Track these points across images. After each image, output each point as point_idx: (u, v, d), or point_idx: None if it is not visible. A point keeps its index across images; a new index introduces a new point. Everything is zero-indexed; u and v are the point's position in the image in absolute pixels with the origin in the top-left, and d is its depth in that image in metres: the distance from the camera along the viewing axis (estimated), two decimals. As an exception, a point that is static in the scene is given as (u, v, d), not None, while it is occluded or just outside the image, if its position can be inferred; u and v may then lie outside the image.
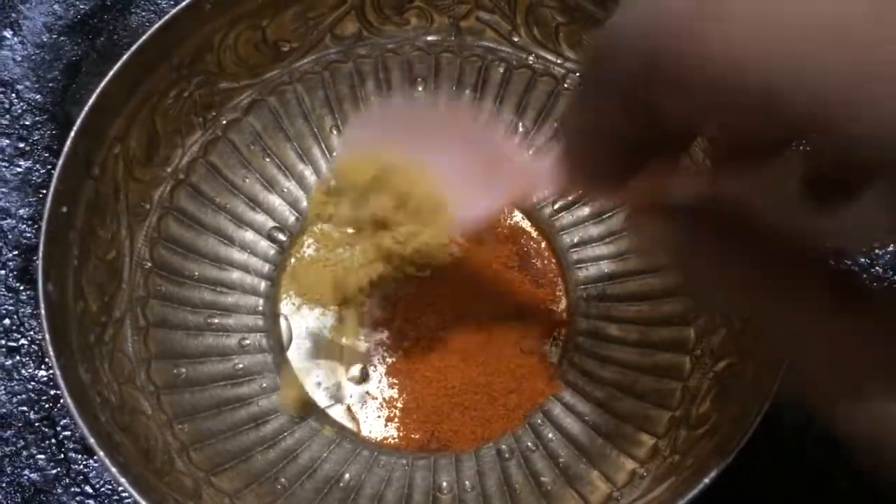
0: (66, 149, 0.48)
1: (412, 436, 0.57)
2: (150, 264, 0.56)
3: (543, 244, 0.63)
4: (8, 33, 0.65)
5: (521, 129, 0.64)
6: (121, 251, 0.54)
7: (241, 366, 0.57)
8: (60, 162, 0.48)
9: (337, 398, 0.58)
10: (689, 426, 0.52)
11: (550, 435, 0.56)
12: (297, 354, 0.59)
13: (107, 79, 0.50)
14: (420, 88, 0.64)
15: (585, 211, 0.62)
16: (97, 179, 0.52)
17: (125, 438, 0.48)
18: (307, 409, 0.56)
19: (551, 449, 0.56)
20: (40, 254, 0.46)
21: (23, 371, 0.56)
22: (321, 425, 0.56)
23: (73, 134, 0.49)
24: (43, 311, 0.46)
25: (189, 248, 0.58)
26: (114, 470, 0.43)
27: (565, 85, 0.62)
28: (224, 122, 0.60)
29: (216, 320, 0.58)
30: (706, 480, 0.44)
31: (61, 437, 0.48)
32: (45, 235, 0.47)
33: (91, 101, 0.50)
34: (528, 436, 0.57)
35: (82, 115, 0.49)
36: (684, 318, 0.56)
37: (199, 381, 0.55)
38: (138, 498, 0.43)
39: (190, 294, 0.57)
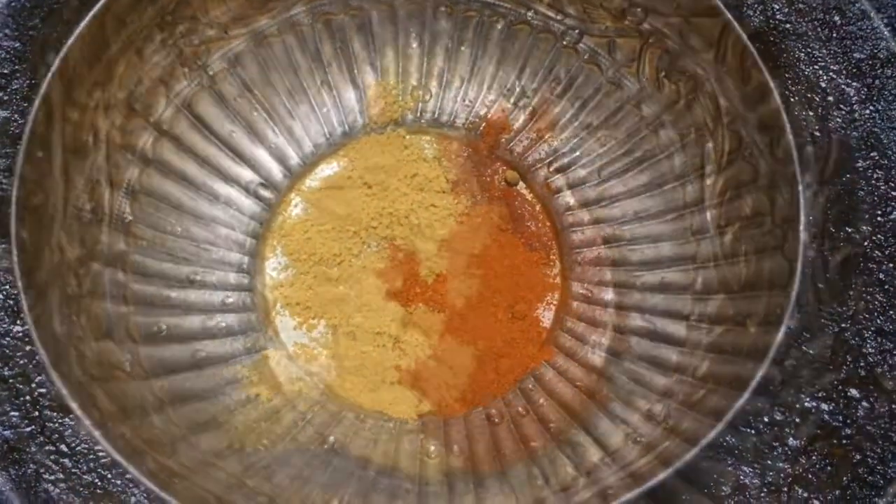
0: (41, 90, 0.46)
1: (400, 399, 0.55)
2: (130, 217, 0.54)
3: (538, 207, 0.61)
4: (-12, -21, 0.63)
5: (516, 90, 0.62)
6: (100, 202, 0.52)
7: (223, 324, 0.55)
8: (36, 103, 0.46)
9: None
10: (685, 392, 0.50)
11: (542, 400, 0.55)
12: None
13: (86, 20, 0.48)
14: (414, 45, 0.62)
15: (582, 173, 0.61)
16: (76, 126, 0.49)
17: (101, 392, 0.46)
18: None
19: (542, 413, 0.54)
20: (13, 197, 0.44)
21: (-2, 326, 0.54)
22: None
23: (49, 75, 0.47)
24: (15, 259, 0.44)
25: (172, 201, 0.56)
26: (88, 423, 0.41)
27: (564, 42, 0.60)
28: (211, 72, 0.58)
29: (199, 277, 0.56)
30: (702, 443, 0.42)
31: (36, 394, 0.46)
32: (19, 179, 0.45)
33: (69, 42, 0.47)
34: (519, 400, 0.55)
35: (60, 54, 0.47)
36: (682, 286, 0.55)
37: (180, 338, 0.53)
38: (113, 453, 0.42)
39: (173, 249, 0.56)
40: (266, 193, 0.59)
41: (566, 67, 0.61)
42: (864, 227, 0.45)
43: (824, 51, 0.48)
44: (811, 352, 0.43)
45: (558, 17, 0.60)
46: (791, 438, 0.42)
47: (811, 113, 0.47)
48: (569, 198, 0.60)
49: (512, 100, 0.62)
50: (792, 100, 0.47)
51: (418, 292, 0.58)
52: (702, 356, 0.51)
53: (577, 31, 0.59)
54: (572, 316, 0.57)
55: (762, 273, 0.49)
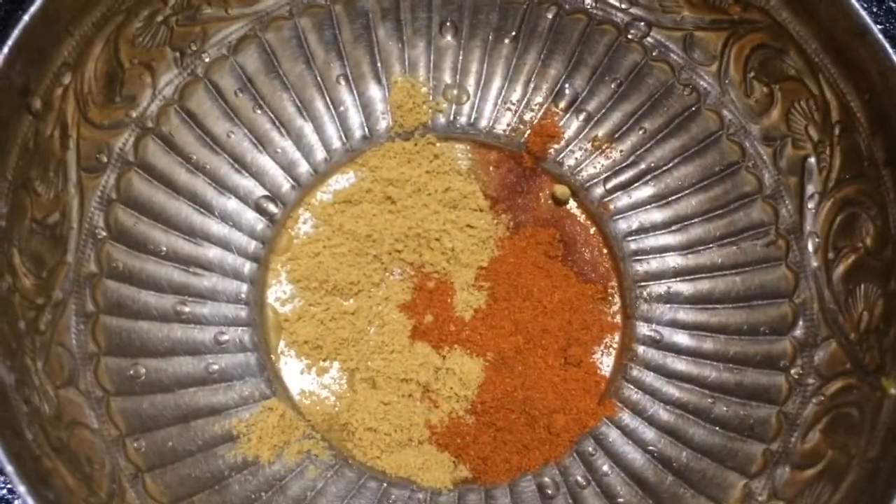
0: (-7, 69, 0.36)
1: (431, 463, 0.45)
2: (105, 233, 0.44)
3: (593, 230, 0.52)
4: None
5: (567, 91, 0.52)
6: (67, 214, 0.42)
7: (216, 367, 0.45)
8: (-15, 86, 0.36)
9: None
10: (793, 464, 0.40)
11: (605, 468, 0.45)
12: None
13: (55, -17, 0.38)
14: (449, 37, 0.53)
15: (647, 191, 0.51)
16: (38, 116, 0.39)
17: (59, 463, 0.36)
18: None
19: (606, 485, 0.45)
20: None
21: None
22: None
23: (5, 51, 0.37)
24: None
25: (157, 215, 0.46)
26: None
27: (629, 36, 0.50)
28: (207, 59, 0.48)
29: (187, 308, 0.46)
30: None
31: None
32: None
33: (31, 11, 0.37)
34: (577, 467, 0.45)
35: (18, 26, 0.37)
36: (776, 327, 0.45)
37: (162, 386, 0.43)
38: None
39: (156, 273, 0.46)
40: (270, 207, 0.49)
41: (630, 66, 0.51)
42: None
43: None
44: None
45: (623, 6, 0.50)
46: None
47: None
48: (631, 220, 0.51)
49: (563, 103, 0.53)
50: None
51: (452, 331, 0.48)
52: (811, 419, 0.41)
53: (644, 22, 0.50)
54: (638, 363, 0.48)
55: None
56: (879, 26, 0.45)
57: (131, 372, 0.43)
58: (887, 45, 0.40)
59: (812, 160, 0.45)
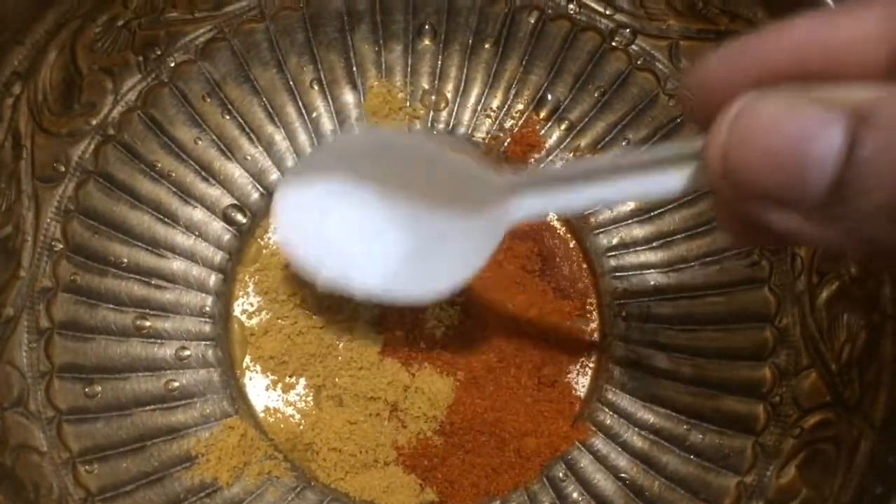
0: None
1: (397, 486, 0.44)
2: (61, 246, 0.42)
3: (573, 244, 0.50)
4: None
5: (549, 99, 0.50)
6: (20, 226, 0.41)
7: (176, 384, 0.44)
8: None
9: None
10: (767, 500, 0.39)
11: (575, 495, 0.44)
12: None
13: (1, -11, 0.36)
14: (427, 41, 0.51)
15: (629, 205, 0.49)
16: (-14, 128, 0.38)
17: (2, 488, 0.34)
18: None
19: (576, 513, 0.43)
20: None
21: None
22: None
23: (-53, 61, 0.35)
24: None
25: (118, 225, 0.45)
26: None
27: (613, 43, 0.48)
28: (172, 64, 0.46)
29: (148, 323, 0.44)
30: None
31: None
32: None
33: (-24, 19, 0.36)
34: (546, 494, 0.44)
35: (-38, 36, 0.35)
36: (757, 352, 0.43)
37: (119, 405, 0.42)
38: None
39: (115, 287, 0.44)
40: (238, 217, 0.48)
41: (614, 74, 0.49)
42: None
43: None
44: None
45: (607, 12, 0.48)
46: None
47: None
48: (612, 235, 0.49)
49: (544, 111, 0.51)
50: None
51: (423, 349, 0.46)
52: (788, 453, 0.39)
53: (629, 29, 0.48)
54: (614, 385, 0.46)
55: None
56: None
57: (86, 391, 0.41)
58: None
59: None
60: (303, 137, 0.50)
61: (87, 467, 0.39)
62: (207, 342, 0.45)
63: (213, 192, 0.48)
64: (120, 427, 0.41)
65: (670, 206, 0.48)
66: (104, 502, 0.39)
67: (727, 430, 0.43)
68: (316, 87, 0.50)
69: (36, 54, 0.39)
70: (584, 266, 0.50)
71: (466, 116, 0.51)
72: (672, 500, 0.42)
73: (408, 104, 0.51)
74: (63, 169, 0.43)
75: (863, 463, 0.36)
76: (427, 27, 0.50)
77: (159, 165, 0.46)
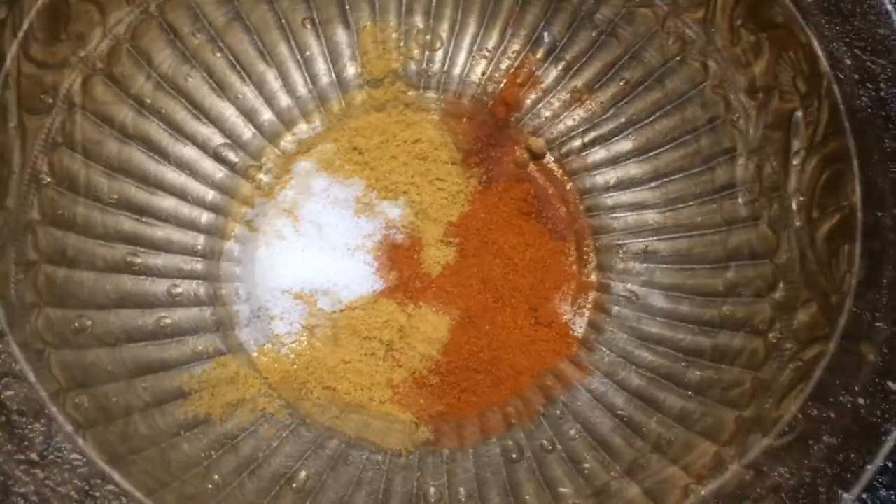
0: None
1: (392, 424, 0.43)
2: (49, 178, 0.41)
3: (569, 185, 0.49)
4: None
5: (546, 39, 0.50)
6: (7, 157, 0.39)
7: (168, 321, 0.43)
8: None
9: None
10: (766, 432, 0.38)
11: (573, 432, 0.43)
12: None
13: None
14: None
15: (626, 145, 0.49)
16: (-30, 52, 0.37)
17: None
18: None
19: (573, 450, 0.43)
20: None
21: None
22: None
23: (-71, -22, 0.34)
24: None
25: (106, 160, 0.44)
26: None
27: (611, -20, 0.48)
28: (161, -3, 0.45)
29: (139, 259, 0.44)
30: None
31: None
32: None
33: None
34: (544, 431, 0.43)
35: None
36: (757, 289, 0.43)
37: (110, 339, 0.41)
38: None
39: (104, 222, 0.43)
40: (230, 156, 0.47)
41: (612, 11, 0.48)
42: None
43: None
44: None
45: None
46: None
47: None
48: (608, 175, 0.49)
49: (541, 51, 0.50)
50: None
51: (419, 288, 0.46)
52: (786, 386, 0.39)
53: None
54: (612, 325, 0.46)
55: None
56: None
57: (76, 324, 0.40)
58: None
59: (799, 114, 0.43)
60: (295, 76, 0.49)
61: (76, 399, 0.38)
62: (199, 280, 0.45)
63: (205, 131, 0.47)
64: (110, 361, 0.40)
65: (668, 146, 0.47)
66: (94, 434, 0.38)
67: (726, 365, 0.42)
68: (308, 26, 0.49)
69: (23, -22, 0.38)
70: (581, 207, 0.49)
71: (462, 57, 0.51)
72: (670, 437, 0.41)
73: (402, 44, 0.50)
74: (50, 101, 0.41)
75: (862, 392, 0.35)
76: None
77: (148, 101, 0.45)
